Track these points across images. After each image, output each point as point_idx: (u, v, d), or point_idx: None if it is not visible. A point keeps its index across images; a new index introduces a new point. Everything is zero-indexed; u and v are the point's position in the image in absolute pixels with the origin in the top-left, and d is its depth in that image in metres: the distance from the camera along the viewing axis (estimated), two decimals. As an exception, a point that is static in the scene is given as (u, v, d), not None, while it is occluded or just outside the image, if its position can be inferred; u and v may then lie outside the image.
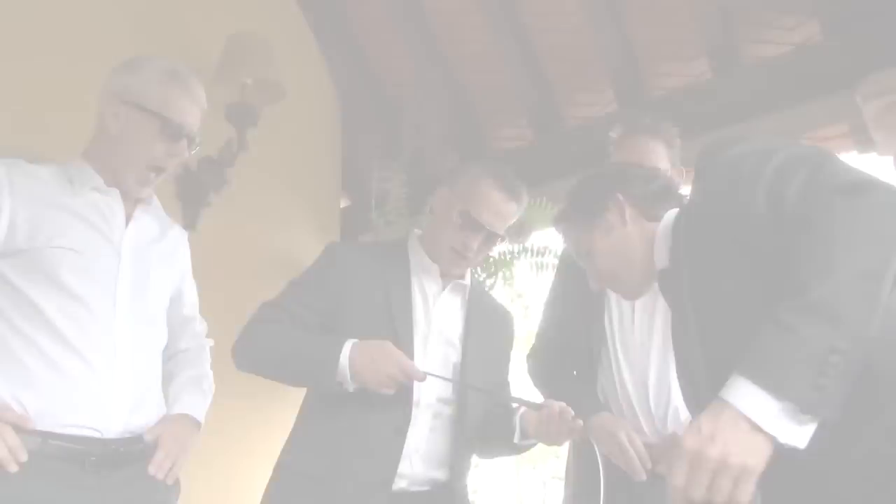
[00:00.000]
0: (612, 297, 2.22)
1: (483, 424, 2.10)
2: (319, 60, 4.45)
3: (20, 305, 1.75)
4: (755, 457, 1.10)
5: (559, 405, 1.92)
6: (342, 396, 1.95)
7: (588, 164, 3.43)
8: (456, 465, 2.04)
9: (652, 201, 1.71)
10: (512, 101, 4.10)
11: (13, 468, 1.64)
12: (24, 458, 1.66)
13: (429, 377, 1.94)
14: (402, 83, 4.37)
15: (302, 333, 2.02)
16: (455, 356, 2.09)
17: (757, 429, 1.09)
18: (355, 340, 1.92)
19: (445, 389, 2.04)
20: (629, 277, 1.71)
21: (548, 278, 2.48)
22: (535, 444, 2.08)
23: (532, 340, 2.52)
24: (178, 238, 2.12)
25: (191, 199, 3.48)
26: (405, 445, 1.97)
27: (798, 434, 1.10)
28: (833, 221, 1.14)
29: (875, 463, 1.15)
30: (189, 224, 3.47)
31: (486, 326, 2.17)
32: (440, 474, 2.03)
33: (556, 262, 2.59)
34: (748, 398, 1.10)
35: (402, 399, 1.94)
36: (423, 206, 3.78)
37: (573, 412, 1.91)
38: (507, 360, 2.27)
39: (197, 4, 3.73)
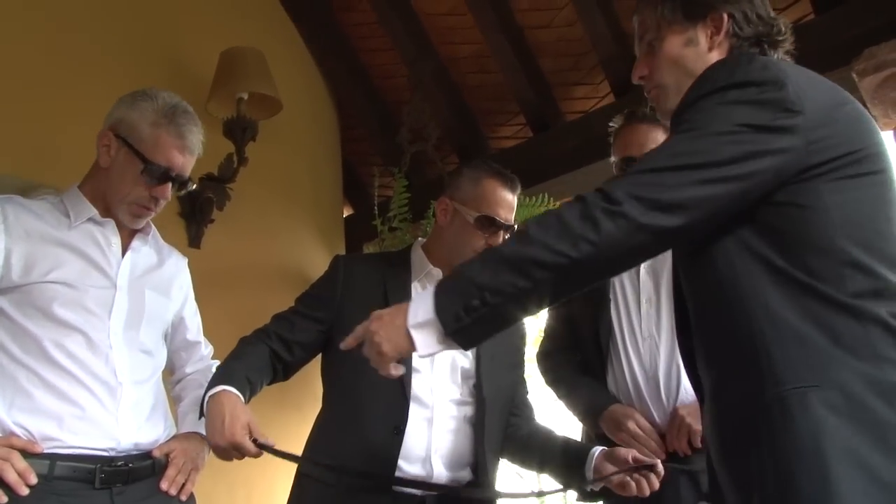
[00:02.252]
0: (618, 291, 2.23)
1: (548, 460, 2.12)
2: (314, 71, 4.46)
3: (19, 338, 1.80)
4: (390, 346, 1.40)
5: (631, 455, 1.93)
6: (346, 402, 1.99)
7: (588, 157, 3.45)
8: (480, 467, 2.04)
9: (751, 40, 1.51)
10: (508, 99, 4.10)
11: (24, 492, 1.67)
12: (33, 480, 1.69)
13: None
14: (398, 88, 4.37)
15: (237, 353, 1.99)
16: (465, 361, 2.08)
17: (405, 329, 1.37)
18: (223, 388, 1.82)
19: (458, 391, 2.06)
20: (675, 101, 1.50)
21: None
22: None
23: (541, 338, 2.53)
24: (177, 265, 2.15)
25: (193, 216, 3.47)
26: (428, 446, 1.98)
27: (429, 347, 1.37)
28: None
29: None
30: (193, 242, 3.47)
31: None
32: (464, 475, 2.03)
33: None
34: (421, 300, 1.38)
35: (398, 399, 1.96)
36: (425, 210, 3.75)
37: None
38: (522, 361, 2.28)
39: (190, 22, 3.74)
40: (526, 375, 2.28)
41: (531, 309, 1.38)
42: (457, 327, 1.33)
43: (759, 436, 1.24)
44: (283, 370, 2.03)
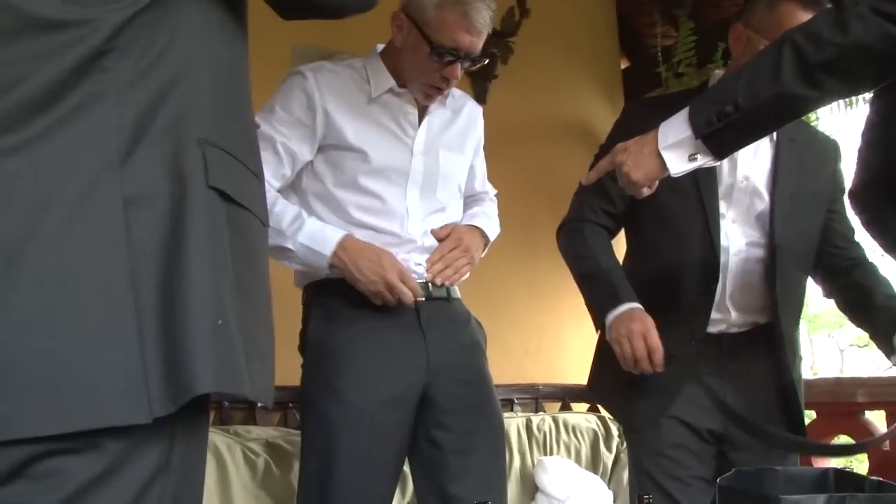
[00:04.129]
0: None
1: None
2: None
3: (328, 202, 1.96)
4: (640, 173, 1.48)
5: None
6: (653, 261, 1.97)
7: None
8: (777, 309, 1.93)
9: None
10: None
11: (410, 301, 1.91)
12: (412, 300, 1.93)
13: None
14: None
15: (598, 258, 1.95)
16: (761, 205, 1.95)
17: (655, 153, 1.45)
18: (632, 306, 1.84)
19: (754, 234, 1.94)
20: None
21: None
22: None
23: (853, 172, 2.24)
24: (471, 115, 2.17)
25: (479, 73, 3.49)
26: (722, 291, 1.91)
27: (680, 165, 1.44)
28: None
29: None
30: (479, 98, 3.49)
31: (799, 165, 2.00)
32: (759, 318, 1.96)
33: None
34: (672, 122, 1.45)
35: (709, 255, 1.88)
36: (712, 54, 3.56)
37: None
38: (835, 197, 2.07)
39: None
40: (844, 210, 2.09)
41: (783, 116, 1.41)
42: (708, 132, 1.38)
43: None
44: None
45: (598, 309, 1.90)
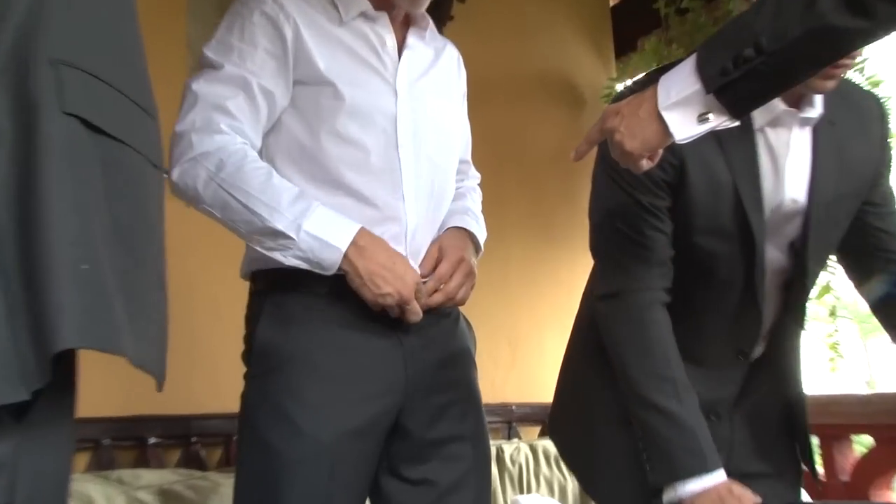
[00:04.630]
0: None
1: None
2: None
3: (301, 157, 1.69)
4: (636, 142, 1.31)
5: None
6: (682, 320, 1.71)
7: None
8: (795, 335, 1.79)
9: None
10: None
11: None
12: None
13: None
14: None
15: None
16: (798, 224, 1.69)
17: (654, 115, 1.29)
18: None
19: (782, 258, 1.71)
20: None
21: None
22: None
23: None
24: (453, 57, 1.97)
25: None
26: None
27: (687, 129, 1.27)
28: None
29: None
30: (430, 45, 3.07)
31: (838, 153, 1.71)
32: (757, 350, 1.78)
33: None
34: (675, 74, 1.28)
35: (749, 320, 1.68)
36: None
37: None
38: (880, 173, 1.74)
39: None
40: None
41: (821, 57, 1.23)
42: (722, 83, 1.22)
43: None
44: None
45: (669, 466, 1.58)
